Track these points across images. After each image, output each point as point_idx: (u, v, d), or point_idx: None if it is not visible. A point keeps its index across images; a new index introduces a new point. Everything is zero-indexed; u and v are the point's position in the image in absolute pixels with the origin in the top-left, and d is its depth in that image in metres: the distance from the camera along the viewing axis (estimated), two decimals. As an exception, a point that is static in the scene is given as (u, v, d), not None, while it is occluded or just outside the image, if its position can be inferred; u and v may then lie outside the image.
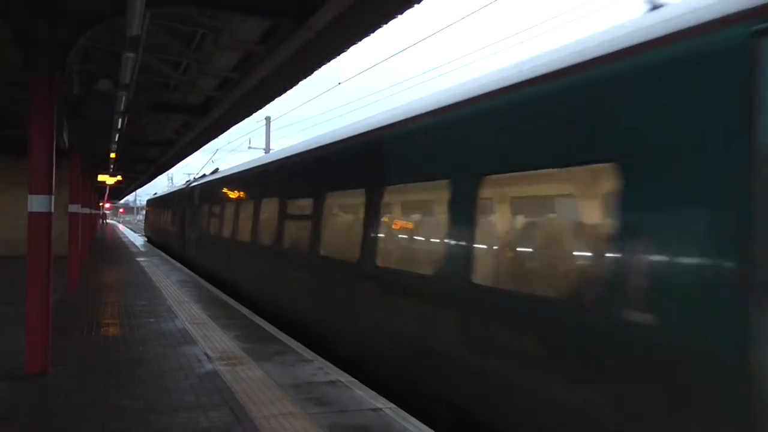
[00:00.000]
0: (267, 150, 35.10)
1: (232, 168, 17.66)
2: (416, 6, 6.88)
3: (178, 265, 20.81)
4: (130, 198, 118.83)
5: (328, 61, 8.80)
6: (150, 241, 40.21)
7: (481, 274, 5.27)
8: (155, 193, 48.79)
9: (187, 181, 27.06)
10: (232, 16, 8.71)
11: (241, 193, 14.59)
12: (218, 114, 14.80)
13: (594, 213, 4.59)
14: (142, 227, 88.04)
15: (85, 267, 17.14)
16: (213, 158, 49.23)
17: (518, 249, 5.43)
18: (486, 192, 5.33)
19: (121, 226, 76.68)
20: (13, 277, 14.20)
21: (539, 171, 4.78)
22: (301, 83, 10.28)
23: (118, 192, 56.54)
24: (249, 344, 8.03)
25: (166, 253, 26.85)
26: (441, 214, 5.91)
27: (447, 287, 5.62)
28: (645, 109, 3.82)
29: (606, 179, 4.07)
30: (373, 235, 7.13)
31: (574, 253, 4.84)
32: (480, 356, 5.17)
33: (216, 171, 21.60)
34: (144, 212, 70.86)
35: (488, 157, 5.28)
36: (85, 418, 5.11)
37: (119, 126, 14.04)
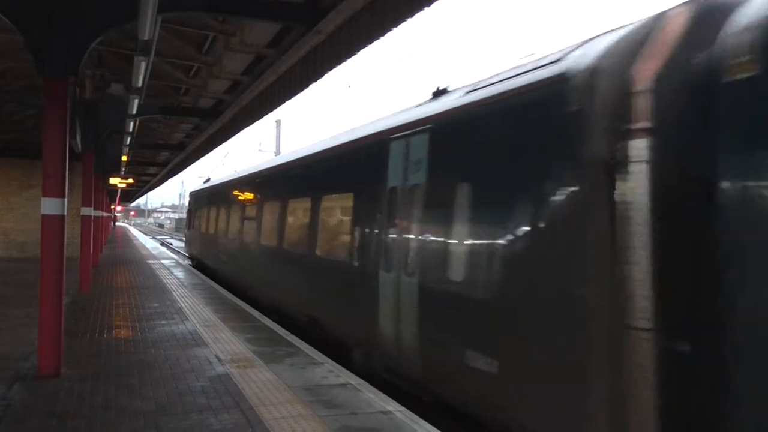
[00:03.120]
0: (278, 153, 32.70)
1: None
2: (426, 9, 6.89)
3: (190, 268, 20.70)
4: (141, 201, 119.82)
5: (339, 64, 8.80)
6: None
7: None
8: (207, 179, 26.51)
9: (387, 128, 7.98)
10: (242, 19, 8.77)
11: None
12: (229, 117, 14.86)
13: None
14: (155, 230, 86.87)
15: (97, 269, 17.25)
16: (223, 161, 48.97)
17: None
18: None
19: (132, 229, 77.07)
20: (26, 279, 14.34)
21: None
22: (311, 86, 10.29)
23: (129, 195, 56.95)
24: (260, 347, 8.06)
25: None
26: None
27: None
28: None
29: None
30: None
31: None
32: None
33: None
34: (185, 215, 36.89)
35: None
36: (97, 419, 5.14)
37: (131, 129, 14.17)
